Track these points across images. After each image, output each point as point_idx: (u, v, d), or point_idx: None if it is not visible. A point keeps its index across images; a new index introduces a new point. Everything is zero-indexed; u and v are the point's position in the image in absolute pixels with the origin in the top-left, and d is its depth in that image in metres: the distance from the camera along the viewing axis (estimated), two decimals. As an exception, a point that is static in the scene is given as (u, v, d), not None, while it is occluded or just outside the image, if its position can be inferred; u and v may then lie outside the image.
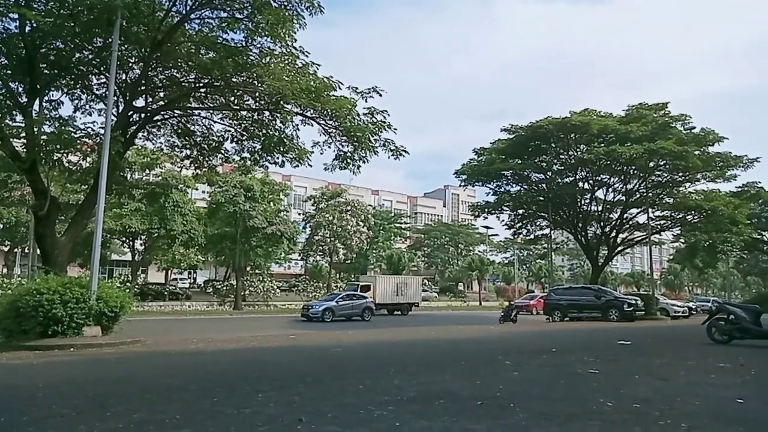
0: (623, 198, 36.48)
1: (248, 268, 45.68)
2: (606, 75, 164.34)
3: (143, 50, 15.76)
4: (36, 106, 15.79)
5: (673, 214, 37.72)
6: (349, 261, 56.05)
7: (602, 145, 33.34)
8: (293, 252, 49.85)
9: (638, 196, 35.96)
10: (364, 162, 17.74)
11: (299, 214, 56.62)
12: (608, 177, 35.92)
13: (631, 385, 7.26)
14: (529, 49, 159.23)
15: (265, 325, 23.71)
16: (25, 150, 15.61)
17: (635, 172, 34.64)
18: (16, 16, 14.07)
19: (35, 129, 14.75)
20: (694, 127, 33.87)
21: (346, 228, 44.94)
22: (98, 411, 5.67)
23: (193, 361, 11.17)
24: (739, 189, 37.68)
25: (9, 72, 15.42)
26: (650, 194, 35.35)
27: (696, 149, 32.24)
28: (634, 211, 37.64)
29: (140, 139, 18.87)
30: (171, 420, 5.21)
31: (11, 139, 15.68)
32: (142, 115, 17.16)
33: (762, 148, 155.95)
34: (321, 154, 17.85)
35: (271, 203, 42.51)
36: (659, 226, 39.22)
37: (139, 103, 17.20)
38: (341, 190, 48.94)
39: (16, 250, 41.47)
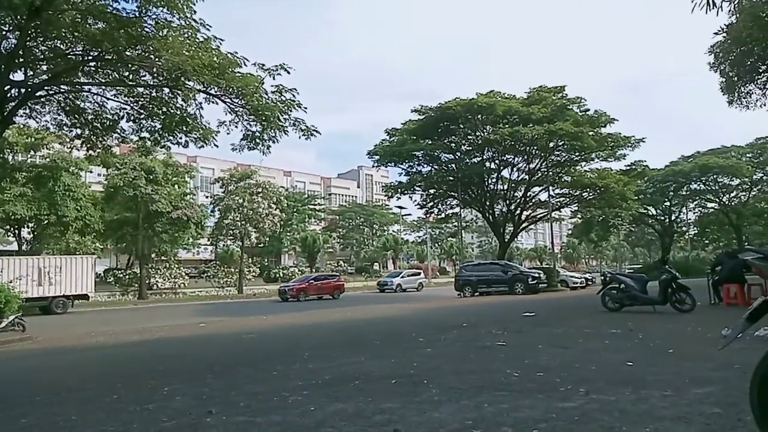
0: (526, 177, 38.38)
1: (153, 255, 43.31)
2: (506, 59, 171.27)
3: (19, 18, 14.14)
4: None
5: (570, 191, 40.30)
6: (262, 245, 54.74)
7: (507, 126, 34.78)
8: (202, 237, 47.91)
9: (540, 174, 37.99)
10: (274, 142, 17.18)
11: (207, 197, 54.30)
12: (513, 157, 37.57)
13: (534, 355, 7.66)
14: (444, 30, 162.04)
15: (173, 314, 22.68)
16: None
17: (537, 152, 36.49)
18: None
19: None
20: (589, 109, 36.27)
21: (257, 211, 43.66)
22: (-24, 420, 5.10)
23: (92, 357, 10.46)
24: (628, 167, 40.88)
25: None
26: (550, 173, 37.55)
27: (590, 130, 34.57)
28: (536, 189, 39.72)
29: (21, 116, 17.05)
30: (66, 422, 4.83)
31: None
32: (22, 90, 15.47)
33: (646, 130, 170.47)
34: (228, 134, 17.05)
35: (176, 186, 40.37)
36: (559, 203, 41.79)
37: (18, 76, 15.47)
38: (251, 171, 47.37)
39: None
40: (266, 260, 62.29)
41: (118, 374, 7.74)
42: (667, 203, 54.45)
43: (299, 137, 16.90)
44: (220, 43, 15.13)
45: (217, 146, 17.57)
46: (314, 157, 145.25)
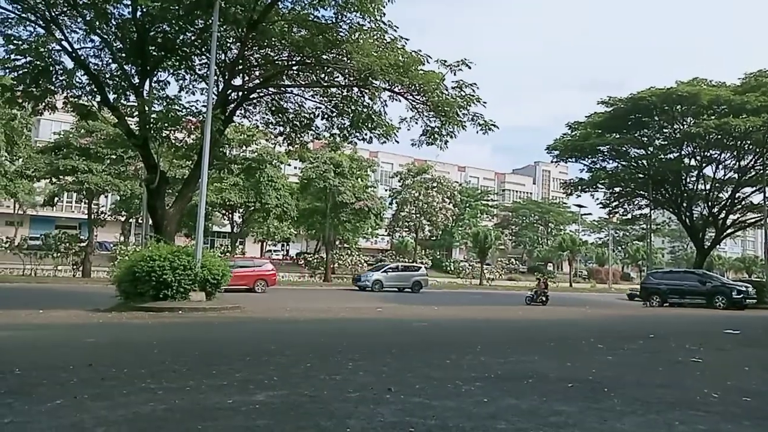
0: (735, 176, 33.44)
1: (337, 242, 47.03)
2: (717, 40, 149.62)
3: (240, 30, 16.46)
4: (146, 87, 17.07)
5: (794, 193, 34.08)
6: (434, 238, 56.05)
7: (713, 117, 30.61)
8: (380, 227, 50.59)
9: (753, 173, 32.80)
10: (451, 137, 17.58)
11: (386, 190, 57.20)
12: (719, 153, 33.05)
13: (740, 377, 6.74)
14: (631, 14, 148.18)
15: (353, 297, 24.46)
16: (138, 128, 16.97)
17: (751, 147, 31.60)
18: (129, 2, 15.19)
19: (146, 108, 15.96)
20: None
21: (431, 204, 44.87)
22: (205, 369, 6.16)
23: (287, 329, 11.80)
24: None
25: (123, 55, 16.75)
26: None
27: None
28: (747, 190, 34.46)
29: (238, 116, 19.86)
30: (269, 381, 5.55)
31: (126, 118, 17.11)
32: (240, 94, 18.02)
33: None
34: (408, 130, 17.90)
35: (359, 179, 43.29)
36: (777, 207, 35.65)
37: (237, 81, 18.07)
38: (427, 166, 48.80)
39: (131, 220, 45.42)
40: (438, 253, 63.57)
41: (309, 345, 8.66)
42: None
43: (477, 132, 17.00)
44: (405, 43, 15.83)
45: (398, 142, 18.44)
46: (489, 152, 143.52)
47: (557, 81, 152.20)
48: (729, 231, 37.08)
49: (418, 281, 30.61)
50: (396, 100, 17.56)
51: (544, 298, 24.09)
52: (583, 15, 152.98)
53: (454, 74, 16.28)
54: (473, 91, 16.54)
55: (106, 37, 16.40)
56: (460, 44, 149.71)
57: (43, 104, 16.45)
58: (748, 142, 30.88)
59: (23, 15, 15.58)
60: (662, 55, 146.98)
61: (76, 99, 17.03)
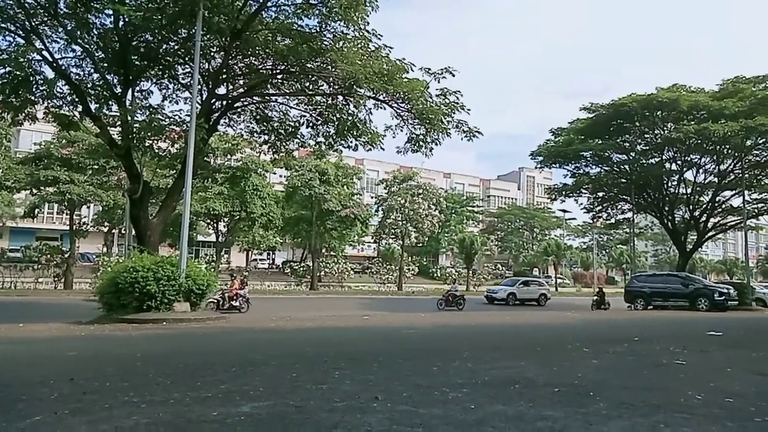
0: (715, 179, 34.01)
1: (323, 250, 46.87)
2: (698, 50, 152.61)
3: (224, 39, 16.42)
4: (129, 96, 16.93)
5: (772, 196, 34.76)
6: (421, 244, 56.14)
7: (692, 122, 31.12)
8: (366, 235, 50.57)
9: (733, 177, 33.38)
10: (436, 144, 17.68)
11: (372, 197, 57.23)
12: (699, 157, 33.59)
13: (723, 379, 6.82)
14: (615, 23, 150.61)
15: (340, 305, 24.38)
16: (120, 137, 16.80)
17: (730, 151, 32.18)
18: (110, 12, 15.08)
19: (129, 117, 15.83)
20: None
21: (417, 211, 44.97)
22: (189, 380, 6.08)
23: (273, 338, 11.71)
24: None
25: (105, 64, 16.60)
26: (746, 175, 32.66)
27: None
28: (727, 193, 35.07)
29: (222, 125, 19.79)
30: (255, 391, 5.49)
31: (108, 128, 16.93)
32: (224, 103, 17.96)
33: None
34: (393, 137, 17.97)
35: (345, 187, 43.29)
36: (756, 210, 36.25)
37: (221, 90, 18.01)
38: (413, 173, 48.92)
39: (113, 230, 44.79)
40: (425, 259, 63.65)
41: (295, 354, 8.59)
42: None
43: (461, 139, 17.15)
44: (389, 51, 15.92)
45: (383, 149, 18.53)
46: (474, 159, 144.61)
47: (541, 89, 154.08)
48: (710, 234, 37.64)
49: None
50: (381, 107, 17.64)
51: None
52: (567, 25, 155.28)
53: (438, 82, 16.43)
54: (457, 98, 16.67)
55: (87, 46, 16.25)
56: (446, 53, 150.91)
57: (23, 115, 16.22)
58: (727, 146, 31.42)
59: (2, 25, 15.36)
60: (647, 61, 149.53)
61: (57, 109, 16.82)
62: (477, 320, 17.85)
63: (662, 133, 33.23)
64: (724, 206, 35.97)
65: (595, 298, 28.08)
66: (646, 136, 34.54)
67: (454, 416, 4.63)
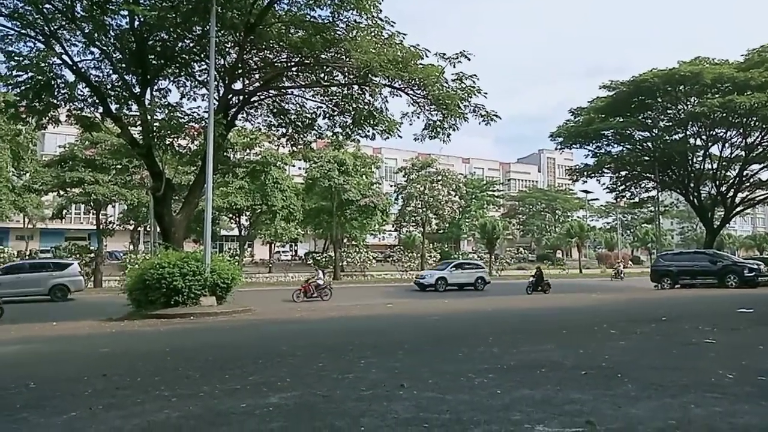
0: (742, 153, 33.16)
1: (345, 240, 47.04)
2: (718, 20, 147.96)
3: (238, 34, 16.48)
4: (147, 96, 17.13)
5: (804, 168, 33.77)
6: (442, 231, 55.95)
7: (717, 96, 30.32)
8: (387, 223, 50.56)
9: (761, 150, 32.48)
10: (454, 130, 17.54)
11: (391, 185, 57.13)
12: (724, 131, 32.74)
13: (754, 357, 6.70)
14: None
15: (363, 294, 24.48)
16: (141, 137, 17.03)
17: (757, 123, 31.30)
18: (126, 13, 15.23)
19: (149, 116, 16.02)
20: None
21: (437, 198, 44.78)
22: (218, 373, 6.19)
23: (299, 329, 11.84)
24: None
25: (123, 65, 16.81)
26: (776, 147, 31.81)
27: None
28: (755, 167, 34.16)
29: (240, 120, 19.91)
30: (282, 383, 5.57)
31: (129, 128, 17.18)
32: (241, 97, 18.05)
33: None
34: (410, 124, 17.92)
35: (364, 176, 43.26)
36: (786, 183, 35.31)
37: (237, 86, 18.10)
38: (431, 160, 48.64)
39: (139, 228, 45.64)
40: (446, 246, 63.44)
41: (321, 345, 8.68)
42: None
43: (479, 123, 16.99)
44: (403, 38, 15.78)
45: (400, 137, 18.47)
46: (492, 143, 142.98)
47: (558, 69, 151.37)
48: (738, 209, 36.77)
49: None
50: (397, 95, 17.54)
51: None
52: (585, 2, 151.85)
53: (454, 67, 16.25)
54: (473, 82, 16.49)
55: (105, 48, 16.45)
56: (460, 36, 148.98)
57: (47, 118, 16.53)
58: (754, 118, 30.56)
59: (23, 31, 15.65)
60: (665, 41, 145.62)
61: (78, 111, 17.10)
62: (504, 305, 17.76)
63: (685, 108, 32.45)
64: (752, 180, 35.07)
65: (531, 279, 25.57)
66: (668, 111, 33.78)
67: (480, 402, 4.63)
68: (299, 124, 19.77)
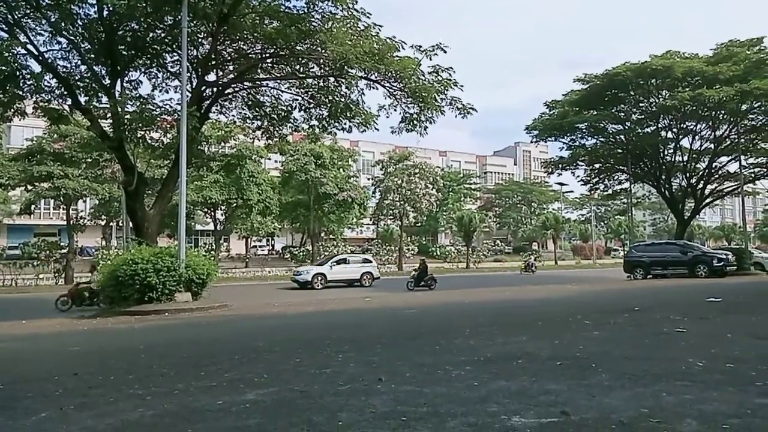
0: (711, 146, 33.91)
1: (322, 234, 46.86)
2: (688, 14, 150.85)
3: (211, 25, 16.17)
4: (118, 87, 16.72)
5: (769, 160, 34.72)
6: (419, 224, 56.17)
7: (687, 89, 30.88)
8: (364, 217, 50.52)
9: (729, 142, 33.27)
10: (430, 123, 17.57)
11: (368, 179, 57.04)
12: (694, 124, 33.41)
13: (723, 345, 6.88)
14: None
15: (341, 289, 24.41)
16: (112, 130, 16.63)
17: (725, 116, 32.02)
18: (94, 1, 14.81)
19: (119, 109, 15.65)
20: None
21: (415, 191, 44.85)
22: (193, 370, 6.10)
23: (275, 324, 11.75)
24: None
25: (92, 56, 16.36)
26: (743, 140, 32.60)
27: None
28: (723, 159, 34.98)
29: (214, 113, 19.60)
30: (259, 379, 5.52)
31: (99, 120, 16.76)
32: (215, 89, 17.76)
33: None
34: (387, 117, 17.85)
35: (341, 170, 43.11)
36: (753, 175, 36.26)
37: (211, 77, 17.79)
38: (409, 153, 48.67)
39: (111, 223, 44.71)
40: (424, 239, 63.74)
41: (298, 340, 8.63)
42: None
43: (455, 116, 17.03)
44: (379, 30, 15.70)
45: (377, 130, 18.43)
46: (469, 136, 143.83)
47: (534, 63, 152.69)
48: (707, 200, 37.67)
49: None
50: (373, 88, 17.47)
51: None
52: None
53: (430, 59, 16.24)
54: (450, 75, 16.51)
55: (73, 38, 15.98)
56: (446, 28, 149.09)
57: (12, 110, 16.03)
58: (722, 112, 31.26)
59: (-16, 20, 15.11)
60: (645, 34, 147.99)
61: (46, 103, 16.62)
62: (481, 297, 17.92)
63: (657, 101, 33.02)
64: (720, 172, 35.92)
65: (413, 273, 23.88)
66: (641, 105, 34.33)
67: (458, 394, 4.66)
68: (275, 116, 19.55)
